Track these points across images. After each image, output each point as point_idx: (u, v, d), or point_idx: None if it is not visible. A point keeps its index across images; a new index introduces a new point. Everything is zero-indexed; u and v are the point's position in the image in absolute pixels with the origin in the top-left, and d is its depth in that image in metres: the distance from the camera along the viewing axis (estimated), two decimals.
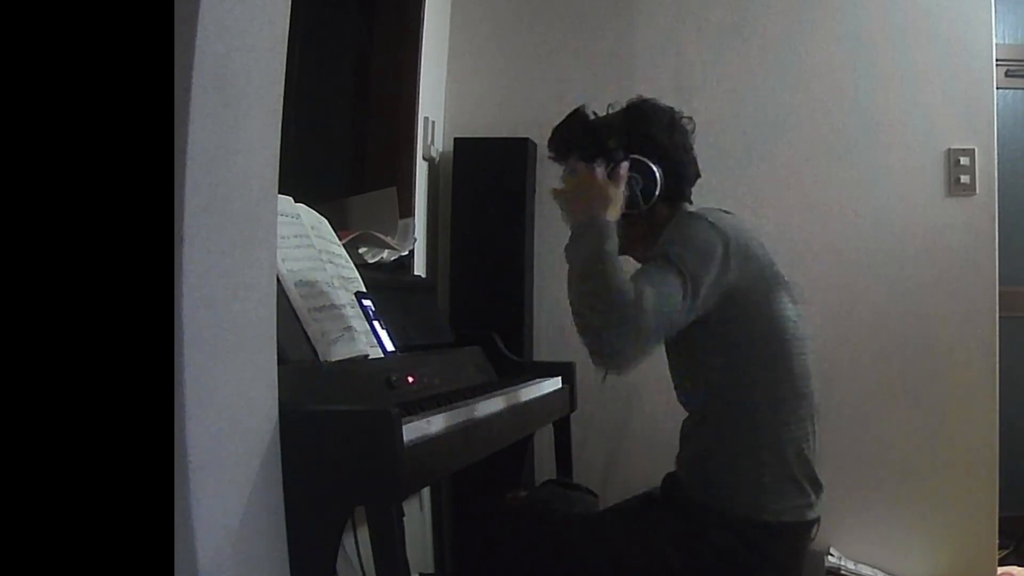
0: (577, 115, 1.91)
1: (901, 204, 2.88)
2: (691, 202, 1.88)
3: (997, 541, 2.84)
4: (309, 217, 1.92)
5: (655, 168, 1.80)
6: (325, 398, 1.53)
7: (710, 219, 1.73)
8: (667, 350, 1.83)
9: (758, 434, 1.71)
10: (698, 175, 1.90)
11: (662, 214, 1.81)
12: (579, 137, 1.87)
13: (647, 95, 1.91)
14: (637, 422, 2.81)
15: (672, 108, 1.88)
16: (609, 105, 1.90)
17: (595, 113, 1.90)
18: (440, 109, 3.01)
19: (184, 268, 1.19)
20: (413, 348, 2.10)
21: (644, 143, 1.81)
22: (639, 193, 1.79)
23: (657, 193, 1.80)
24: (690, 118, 1.89)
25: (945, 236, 2.85)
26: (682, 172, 1.85)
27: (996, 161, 2.85)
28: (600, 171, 1.75)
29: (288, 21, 1.44)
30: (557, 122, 1.93)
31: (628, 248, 1.89)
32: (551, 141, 1.92)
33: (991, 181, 2.85)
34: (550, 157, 1.94)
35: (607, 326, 1.58)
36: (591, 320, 1.61)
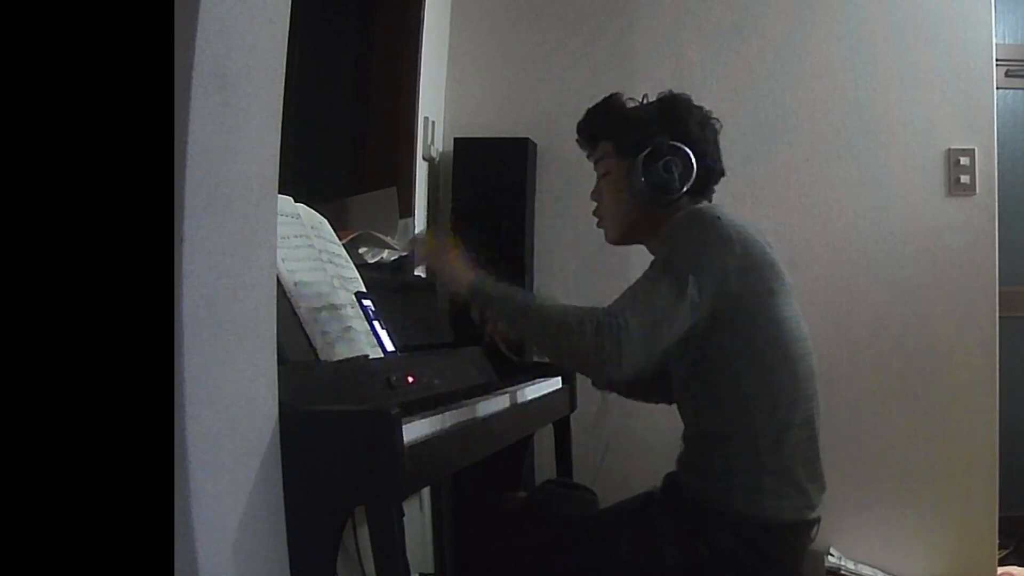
0: (613, 100, 1.91)
1: (901, 204, 2.88)
2: (711, 200, 1.90)
3: (997, 541, 2.84)
4: (309, 217, 1.92)
5: (692, 156, 1.81)
6: (325, 398, 1.53)
7: (716, 215, 1.72)
8: (669, 361, 1.83)
9: (759, 440, 1.71)
10: (722, 173, 1.91)
11: (683, 207, 1.82)
12: (615, 123, 1.88)
13: (647, 95, 1.92)
14: (637, 422, 2.81)
15: (702, 106, 1.90)
16: (644, 95, 1.92)
17: (633, 99, 1.91)
18: (440, 109, 3.01)
19: (184, 268, 1.20)
20: (413, 348, 2.09)
21: (681, 135, 1.83)
22: (677, 178, 1.80)
23: (692, 181, 1.81)
24: (717, 119, 1.91)
25: (945, 236, 2.85)
26: (709, 168, 1.86)
27: (996, 161, 2.85)
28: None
29: (288, 21, 1.44)
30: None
31: (641, 237, 1.90)
32: (583, 124, 1.93)
33: (991, 181, 2.85)
34: (577, 141, 1.94)
35: (587, 364, 1.65)
36: (569, 363, 1.74)
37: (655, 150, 1.81)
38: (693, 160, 1.81)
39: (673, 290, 1.62)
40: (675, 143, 1.81)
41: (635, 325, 1.57)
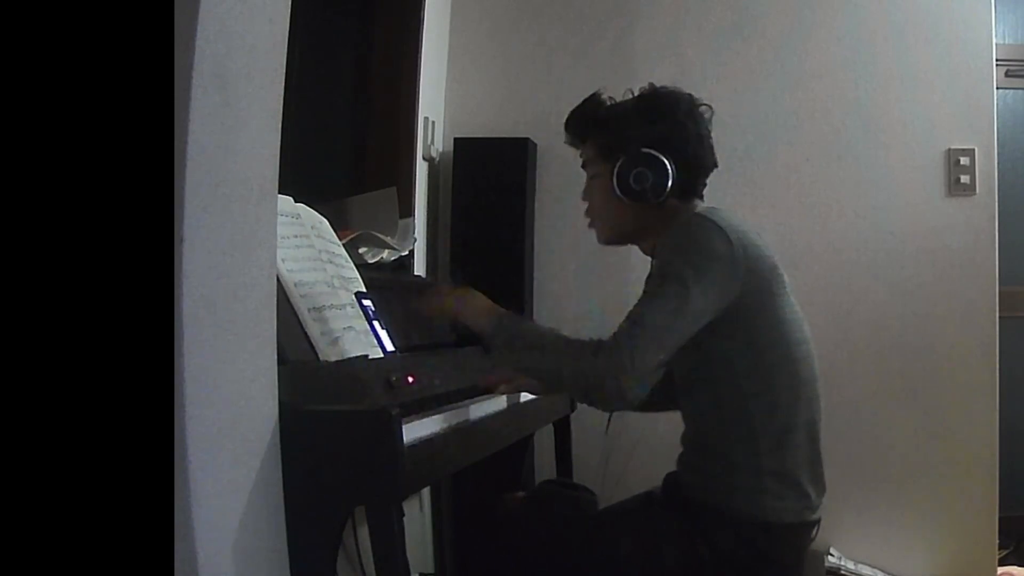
0: (593, 100, 1.88)
1: (901, 204, 2.88)
2: (702, 197, 1.87)
3: (997, 541, 2.84)
4: (309, 217, 1.92)
5: (668, 163, 1.78)
6: (325, 398, 1.53)
7: (715, 220, 1.70)
8: (671, 363, 1.83)
9: (759, 441, 1.71)
10: (715, 165, 1.86)
11: (673, 207, 1.80)
12: (594, 124, 1.85)
13: (632, 90, 1.88)
14: (637, 422, 2.81)
15: (690, 95, 1.85)
16: (628, 90, 1.88)
17: (612, 99, 1.87)
18: (440, 109, 3.01)
19: (184, 268, 1.20)
20: (413, 348, 2.09)
21: (658, 134, 1.79)
22: (648, 189, 1.77)
23: (669, 187, 1.78)
24: (708, 105, 1.85)
25: (945, 236, 2.85)
26: (696, 164, 1.82)
27: (996, 161, 2.85)
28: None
29: (288, 21, 1.44)
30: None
31: (635, 238, 1.89)
32: (567, 124, 1.90)
33: (991, 181, 2.85)
34: (566, 141, 1.92)
35: (594, 389, 1.65)
36: (579, 393, 1.73)
37: (634, 156, 1.78)
38: (669, 166, 1.77)
39: (672, 305, 1.62)
40: (649, 150, 1.77)
41: (635, 350, 1.58)
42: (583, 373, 1.62)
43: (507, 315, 1.76)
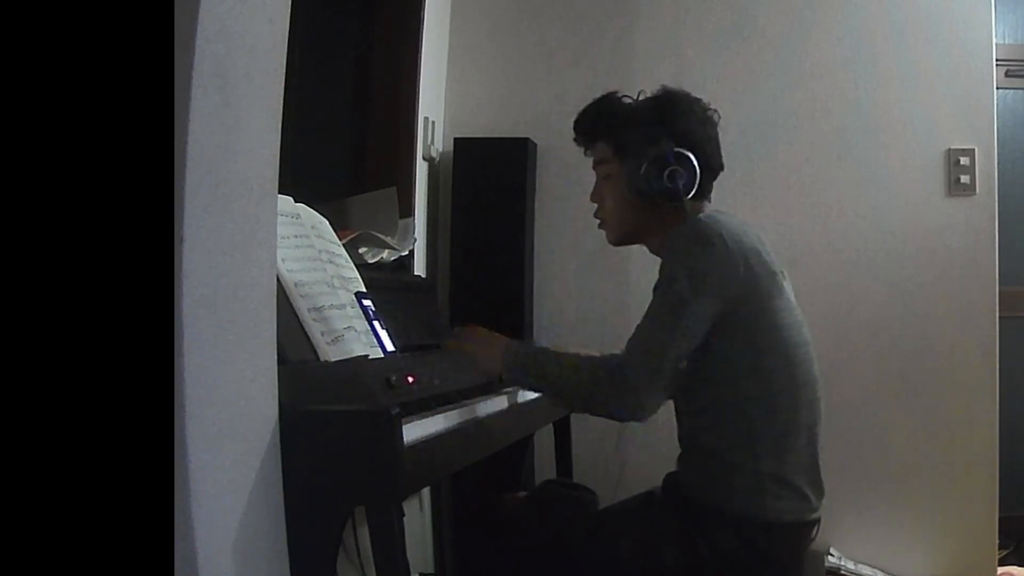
0: (609, 100, 1.88)
1: (901, 204, 2.88)
2: (710, 199, 1.88)
3: (997, 541, 2.84)
4: (309, 217, 1.92)
5: (695, 162, 1.79)
6: (325, 398, 1.53)
7: (714, 225, 1.71)
8: None
9: (758, 444, 1.71)
10: (721, 167, 1.88)
11: (683, 208, 1.80)
12: (613, 125, 1.85)
13: (643, 91, 1.89)
14: (637, 422, 2.81)
15: (700, 99, 1.86)
16: (640, 91, 1.88)
17: (629, 97, 1.88)
18: (440, 109, 3.01)
19: (184, 268, 1.20)
20: (413, 348, 2.09)
21: (678, 135, 1.80)
22: (681, 187, 1.78)
23: (696, 188, 1.79)
24: (715, 110, 1.87)
25: (945, 236, 2.85)
26: (710, 165, 1.84)
27: (996, 161, 2.85)
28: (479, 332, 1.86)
29: (288, 21, 1.44)
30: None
31: (642, 237, 1.90)
32: (578, 123, 1.90)
33: (991, 181, 2.85)
34: (575, 140, 1.91)
35: (611, 414, 1.72)
36: (595, 414, 1.76)
37: (659, 157, 1.78)
38: (697, 167, 1.79)
39: (673, 322, 1.65)
40: (680, 150, 1.78)
41: (647, 366, 1.64)
42: (596, 402, 1.70)
43: (515, 346, 1.79)
